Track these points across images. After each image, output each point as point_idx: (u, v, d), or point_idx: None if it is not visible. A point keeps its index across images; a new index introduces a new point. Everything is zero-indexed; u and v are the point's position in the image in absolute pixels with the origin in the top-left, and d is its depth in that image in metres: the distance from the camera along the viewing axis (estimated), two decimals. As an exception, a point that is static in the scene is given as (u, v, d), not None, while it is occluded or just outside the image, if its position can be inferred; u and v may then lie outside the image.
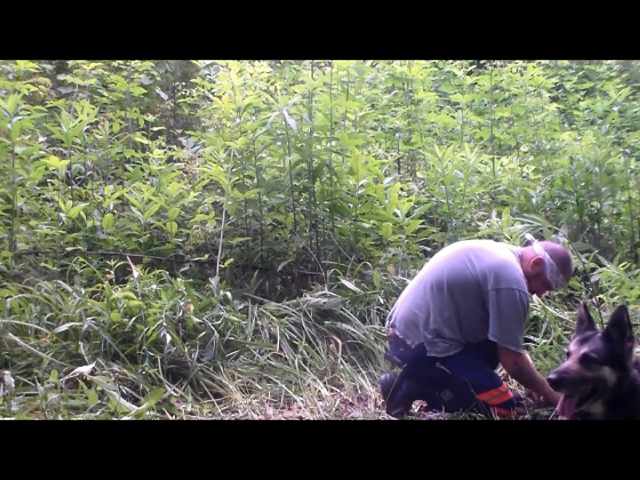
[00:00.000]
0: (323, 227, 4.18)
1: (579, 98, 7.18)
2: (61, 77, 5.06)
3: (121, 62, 5.11)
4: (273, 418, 2.64)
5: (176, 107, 6.31)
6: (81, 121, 3.95)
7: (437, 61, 6.43)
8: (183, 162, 4.87)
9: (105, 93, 5.02)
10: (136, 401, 2.58)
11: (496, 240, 3.42)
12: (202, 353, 2.99)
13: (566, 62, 7.82)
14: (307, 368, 3.10)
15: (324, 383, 2.97)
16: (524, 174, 5.19)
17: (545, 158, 5.07)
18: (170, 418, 2.51)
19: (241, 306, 3.42)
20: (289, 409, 2.76)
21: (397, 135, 5.46)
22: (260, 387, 2.93)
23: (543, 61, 6.66)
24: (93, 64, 4.91)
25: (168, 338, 2.83)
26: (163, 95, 5.85)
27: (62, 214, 3.81)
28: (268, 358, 3.13)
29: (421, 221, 4.16)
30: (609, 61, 7.76)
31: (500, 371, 2.99)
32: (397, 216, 4.05)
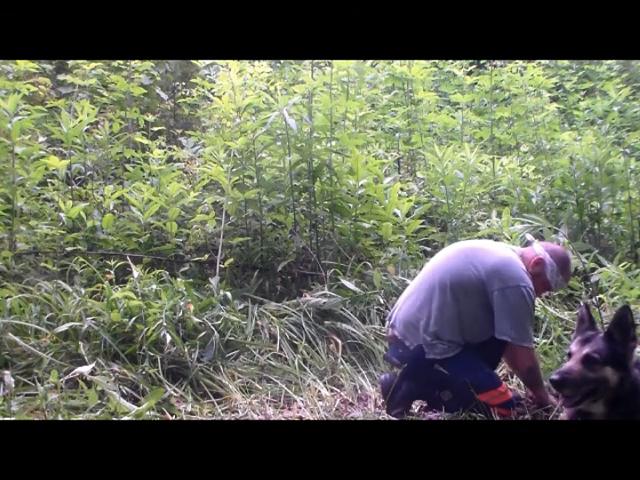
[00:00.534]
0: (323, 227, 4.18)
1: (579, 98, 7.17)
2: (61, 77, 5.06)
3: (121, 62, 5.11)
4: (273, 418, 2.64)
5: (176, 107, 6.31)
6: (81, 121, 3.95)
7: (437, 61, 6.42)
8: (183, 162, 4.87)
9: (105, 93, 5.02)
10: (136, 401, 2.58)
11: (496, 240, 3.42)
12: (202, 353, 2.99)
13: (566, 62, 7.82)
14: (307, 368, 3.10)
15: (324, 383, 2.97)
16: (524, 174, 5.19)
17: (545, 158, 5.07)
18: (170, 418, 2.51)
19: (241, 306, 3.41)
20: (289, 409, 2.76)
21: (397, 135, 5.46)
22: (260, 387, 2.93)
23: (543, 61, 6.66)
24: (93, 64, 4.91)
25: (168, 338, 2.83)
26: (163, 95, 5.85)
27: (62, 214, 3.81)
28: (268, 358, 3.13)
29: (421, 221, 4.16)
30: (609, 61, 7.76)
31: (500, 371, 3.00)
32: (397, 216, 4.05)
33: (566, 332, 3.24)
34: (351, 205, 4.09)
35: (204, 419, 2.59)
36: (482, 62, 6.31)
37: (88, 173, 4.37)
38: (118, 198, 4.15)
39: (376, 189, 4.06)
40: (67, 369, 2.67)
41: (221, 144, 4.06)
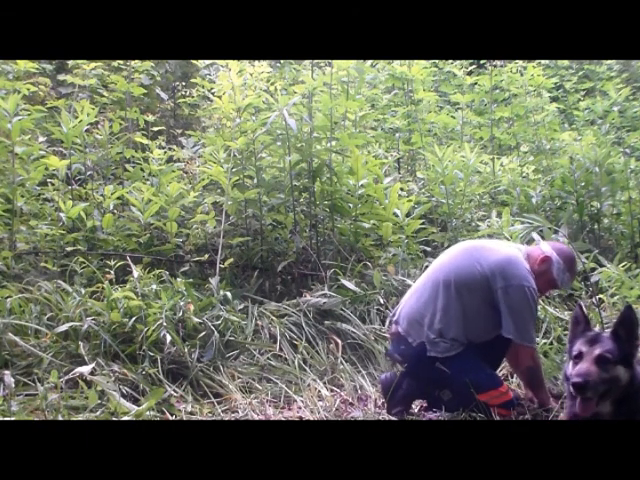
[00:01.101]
0: (323, 227, 4.18)
1: (579, 98, 7.17)
2: (61, 77, 5.06)
3: (121, 62, 5.11)
4: (273, 418, 2.64)
5: (176, 107, 6.31)
6: (81, 121, 3.95)
7: (437, 61, 6.42)
8: (183, 162, 4.87)
9: (105, 93, 5.02)
10: (136, 401, 2.58)
11: (496, 240, 3.42)
12: (202, 353, 2.99)
13: (566, 62, 7.81)
14: (307, 368, 3.10)
15: (324, 383, 2.97)
16: (524, 174, 5.19)
17: (545, 158, 5.07)
18: (170, 418, 2.51)
19: (241, 306, 3.42)
20: (289, 409, 2.76)
21: (397, 135, 5.46)
22: (260, 387, 2.93)
23: (543, 61, 6.66)
24: (93, 64, 4.91)
25: (168, 338, 2.83)
26: (163, 95, 5.85)
27: (62, 214, 3.81)
28: (268, 358, 3.13)
29: (421, 221, 4.16)
30: (609, 61, 7.75)
31: (500, 371, 3.00)
32: (397, 216, 4.05)
33: (566, 332, 3.23)
34: (351, 205, 4.09)
35: (204, 419, 2.59)
36: (482, 62, 6.30)
37: (88, 173, 4.37)
38: (118, 198, 4.15)
39: (376, 189, 4.06)
40: (67, 369, 2.67)
41: (221, 144, 4.06)
